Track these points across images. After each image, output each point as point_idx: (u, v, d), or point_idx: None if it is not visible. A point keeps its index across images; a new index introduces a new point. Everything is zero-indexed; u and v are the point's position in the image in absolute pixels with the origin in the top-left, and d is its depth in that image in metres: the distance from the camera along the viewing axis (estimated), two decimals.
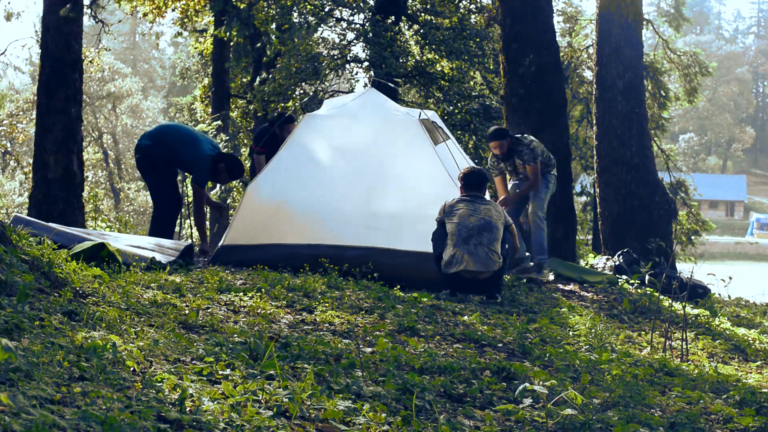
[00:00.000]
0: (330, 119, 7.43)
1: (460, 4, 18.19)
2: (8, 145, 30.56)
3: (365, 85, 17.93)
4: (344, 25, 17.83)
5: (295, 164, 7.19)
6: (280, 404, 2.74)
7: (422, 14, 17.71)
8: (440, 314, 5.39)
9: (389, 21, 16.37)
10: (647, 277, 7.69)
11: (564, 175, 9.99)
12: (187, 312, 4.28)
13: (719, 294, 9.03)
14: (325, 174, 7.15)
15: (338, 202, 7.00)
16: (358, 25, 17.64)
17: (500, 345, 4.65)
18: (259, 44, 19.22)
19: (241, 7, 16.77)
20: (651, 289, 7.46)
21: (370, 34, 16.36)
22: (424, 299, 5.82)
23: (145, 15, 20.15)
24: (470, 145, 16.52)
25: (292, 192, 7.08)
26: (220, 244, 7.15)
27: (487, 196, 6.79)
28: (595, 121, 11.04)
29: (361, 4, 17.52)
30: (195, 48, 24.28)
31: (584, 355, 4.41)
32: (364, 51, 17.51)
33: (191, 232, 9.21)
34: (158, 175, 7.50)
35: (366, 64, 17.82)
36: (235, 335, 3.79)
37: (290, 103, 17.11)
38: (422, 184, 7.00)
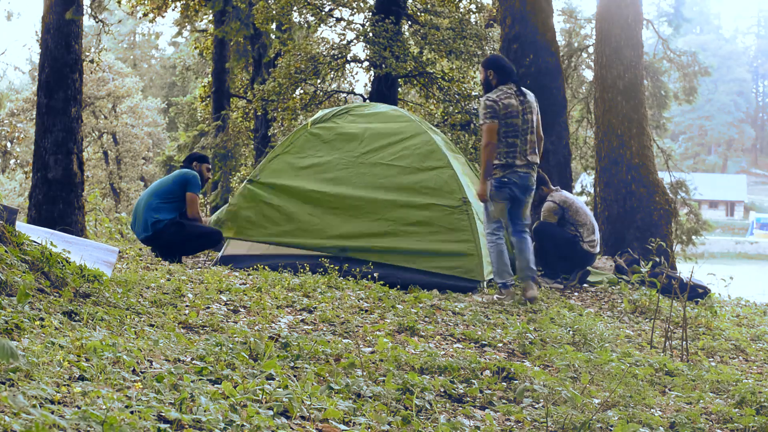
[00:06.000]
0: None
1: (460, 4, 18.19)
2: (8, 145, 30.56)
3: (365, 84, 17.92)
4: (344, 25, 17.83)
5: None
6: (280, 404, 2.74)
7: (422, 14, 17.71)
8: (440, 314, 5.39)
9: (389, 21, 16.37)
10: (647, 277, 7.68)
11: (564, 175, 9.99)
12: (187, 312, 4.28)
13: (719, 294, 9.03)
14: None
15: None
16: (358, 25, 17.64)
17: (500, 345, 4.65)
18: (258, 44, 19.23)
19: (241, 7, 16.77)
20: (651, 289, 7.46)
21: (370, 34, 16.36)
22: (424, 299, 5.83)
23: (145, 15, 20.17)
24: (470, 145, 16.52)
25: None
26: (219, 254, 7.21)
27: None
28: (595, 121, 11.04)
29: (361, 4, 17.52)
30: (195, 47, 24.30)
31: (584, 355, 4.41)
32: (364, 51, 17.52)
33: None
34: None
35: (366, 64, 17.82)
36: (235, 335, 3.79)
37: (290, 104, 17.11)
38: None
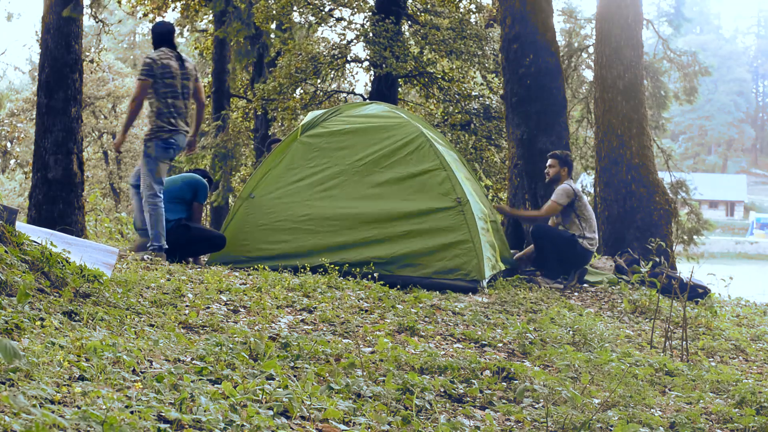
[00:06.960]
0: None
1: (460, 4, 18.19)
2: (8, 145, 30.56)
3: (365, 84, 17.93)
4: (344, 24, 17.83)
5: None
6: (280, 404, 2.74)
7: (422, 14, 17.72)
8: (440, 314, 5.39)
9: (389, 21, 16.37)
10: (647, 277, 7.69)
11: None
12: (187, 312, 4.28)
13: (719, 294, 9.02)
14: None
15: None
16: (358, 25, 17.64)
17: (500, 345, 4.65)
18: (259, 44, 19.24)
19: (242, 7, 16.77)
20: (651, 289, 7.46)
21: (371, 34, 16.36)
22: (424, 299, 5.83)
23: (145, 15, 20.17)
24: (470, 145, 16.52)
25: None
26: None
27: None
28: (595, 121, 11.03)
29: (362, 4, 17.52)
30: (195, 47, 24.30)
31: (584, 355, 4.41)
32: (364, 51, 17.52)
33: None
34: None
35: (366, 64, 17.82)
36: (235, 335, 3.79)
37: (290, 103, 17.11)
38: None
